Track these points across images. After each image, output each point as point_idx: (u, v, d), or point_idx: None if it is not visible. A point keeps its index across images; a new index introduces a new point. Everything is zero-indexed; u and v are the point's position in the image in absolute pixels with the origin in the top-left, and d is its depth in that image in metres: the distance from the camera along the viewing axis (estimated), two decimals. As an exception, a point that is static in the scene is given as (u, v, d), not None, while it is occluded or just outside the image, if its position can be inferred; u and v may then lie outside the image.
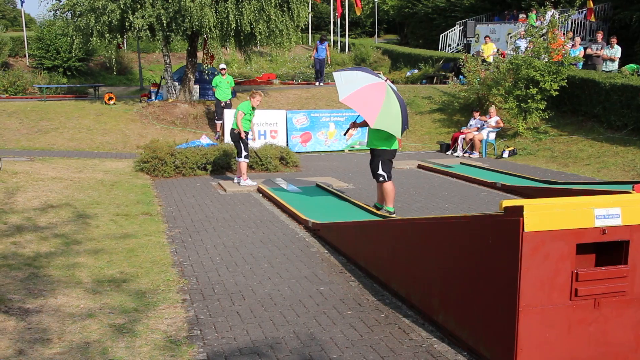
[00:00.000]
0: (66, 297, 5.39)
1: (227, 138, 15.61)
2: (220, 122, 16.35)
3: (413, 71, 26.13)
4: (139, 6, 16.09)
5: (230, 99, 16.49)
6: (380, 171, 8.65)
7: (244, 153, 11.03)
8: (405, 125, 8.52)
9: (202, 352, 4.35)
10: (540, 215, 3.75)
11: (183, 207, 9.44)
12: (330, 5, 37.81)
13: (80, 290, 5.58)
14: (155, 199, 10.02)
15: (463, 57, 19.66)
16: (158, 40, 16.86)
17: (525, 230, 3.70)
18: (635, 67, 16.70)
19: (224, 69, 16.79)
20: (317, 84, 22.12)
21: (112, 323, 4.83)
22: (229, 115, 15.62)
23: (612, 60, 17.00)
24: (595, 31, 20.89)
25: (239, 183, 11.10)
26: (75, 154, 14.24)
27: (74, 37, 16.79)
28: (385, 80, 8.72)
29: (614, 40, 17.40)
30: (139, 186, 11.02)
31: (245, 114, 10.94)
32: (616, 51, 17.03)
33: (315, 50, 22.40)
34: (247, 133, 11.06)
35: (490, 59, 21.19)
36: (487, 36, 22.78)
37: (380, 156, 8.66)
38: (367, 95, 8.39)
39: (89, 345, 4.42)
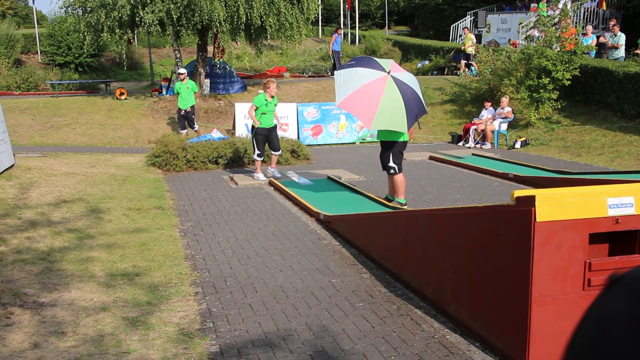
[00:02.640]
0: (80, 291, 5.43)
1: (240, 132, 15.63)
2: (184, 131, 15.03)
3: (424, 62, 25.99)
4: (149, 1, 16.11)
5: (192, 106, 15.12)
6: (391, 163, 8.61)
7: (256, 151, 10.80)
8: (413, 118, 8.28)
9: (214, 345, 4.37)
10: (552, 205, 3.72)
11: (195, 200, 9.47)
12: (340, -2, 37.64)
13: (94, 284, 5.63)
14: (167, 193, 10.06)
15: (474, 47, 19.53)
16: (168, 35, 16.88)
17: (538, 220, 3.68)
18: None
19: (184, 74, 15.19)
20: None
21: (126, 316, 4.86)
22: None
23: (616, 48, 16.83)
24: (608, 19, 20.66)
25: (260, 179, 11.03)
26: (88, 149, 14.32)
27: (85, 34, 16.85)
28: (389, 73, 8.32)
29: (616, 28, 17.21)
30: (151, 180, 11.07)
31: (258, 107, 10.58)
32: (619, 38, 16.84)
33: (332, 42, 22.53)
34: (267, 129, 10.70)
35: (470, 50, 21.60)
36: (465, 27, 22.85)
37: (390, 148, 8.62)
38: (363, 96, 8.09)
39: (102, 338, 4.46)
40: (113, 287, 5.56)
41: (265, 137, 10.82)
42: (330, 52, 23.04)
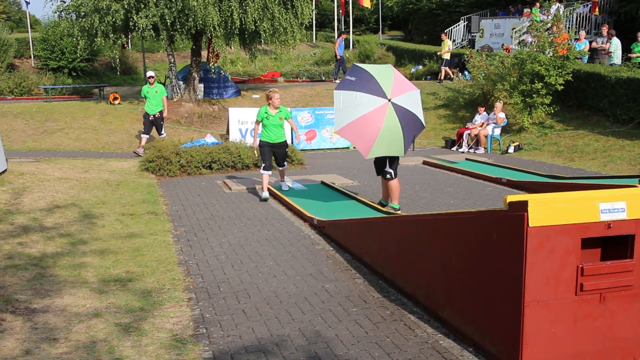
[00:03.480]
0: (72, 297, 5.41)
1: (233, 137, 15.61)
2: (146, 136, 14.60)
3: (417, 67, 26.06)
4: (142, 6, 16.13)
5: (160, 111, 14.64)
6: (388, 168, 8.64)
7: (262, 164, 9.85)
8: (411, 139, 8.35)
9: (207, 351, 4.36)
10: (545, 210, 3.73)
11: (188, 206, 9.45)
12: (334, 3, 37.75)
13: (87, 290, 5.60)
14: (161, 198, 10.04)
15: (468, 52, 19.61)
16: (162, 39, 16.90)
17: (530, 225, 3.69)
18: None
19: (153, 77, 14.75)
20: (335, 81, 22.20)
21: (118, 322, 4.84)
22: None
23: (608, 55, 16.94)
24: (600, 25, 20.78)
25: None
26: (81, 154, 14.28)
27: (78, 38, 16.84)
28: (389, 100, 8.09)
29: (611, 32, 17.31)
30: (144, 185, 11.05)
31: (260, 121, 9.77)
32: (616, 44, 16.96)
33: (337, 46, 22.59)
34: (271, 144, 9.73)
35: (446, 56, 21.86)
36: (443, 32, 22.89)
37: None
38: (362, 126, 8.02)
39: (95, 345, 4.44)
40: (106, 292, 5.54)
41: (270, 150, 9.83)
42: (338, 57, 23.05)
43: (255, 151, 10.42)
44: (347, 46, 35.22)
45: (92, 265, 6.37)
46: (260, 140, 9.85)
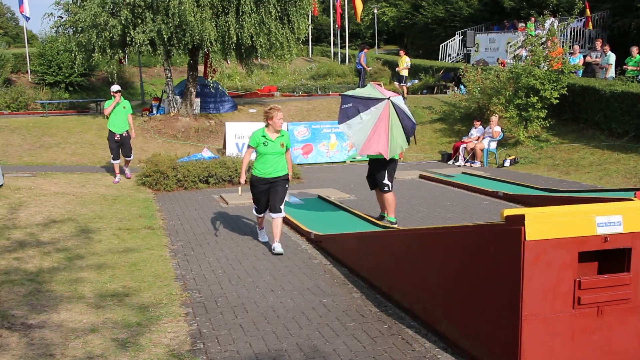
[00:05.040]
0: (69, 312, 5.39)
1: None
2: (117, 162, 12.61)
3: (413, 81, 26.20)
4: (139, 21, 16.19)
5: (127, 130, 12.60)
6: (386, 180, 8.73)
7: (254, 206, 7.91)
8: (410, 132, 8.72)
9: (205, 366, 4.34)
10: (542, 224, 3.75)
11: (185, 220, 9.44)
12: (330, 18, 37.99)
13: (83, 305, 5.58)
14: (158, 212, 10.03)
15: (463, 66, 19.72)
16: (159, 54, 16.94)
17: (527, 239, 3.70)
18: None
19: (119, 92, 12.61)
20: None
21: (115, 337, 4.82)
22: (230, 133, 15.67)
23: (605, 69, 17.07)
24: (594, 39, 20.95)
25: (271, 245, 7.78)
26: (78, 169, 14.27)
27: (76, 53, 16.89)
28: (388, 99, 8.58)
29: (606, 48, 17.47)
30: (141, 200, 11.04)
31: (255, 147, 7.45)
32: (608, 58, 17.10)
33: (362, 59, 22.61)
34: (267, 180, 7.43)
35: (404, 73, 21.59)
36: (401, 49, 22.76)
37: (387, 166, 8.72)
38: (377, 135, 8.46)
39: (92, 360, 4.42)
40: (103, 308, 5.52)
41: (266, 190, 7.52)
42: (366, 68, 22.96)
43: (239, 188, 8.16)
44: (342, 60, 35.42)
45: (88, 280, 6.35)
46: (252, 176, 7.55)
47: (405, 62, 21.64)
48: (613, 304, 3.95)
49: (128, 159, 12.82)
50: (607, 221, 3.88)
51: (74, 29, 17.08)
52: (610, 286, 3.94)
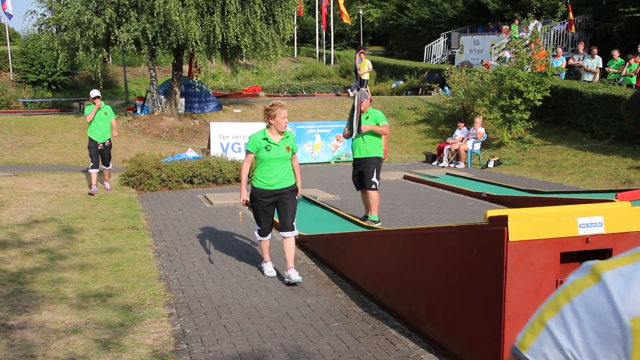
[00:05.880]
0: (51, 313, 5.34)
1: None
2: (96, 171, 11.56)
3: (398, 82, 26.29)
4: (124, 20, 16.10)
5: (109, 139, 11.75)
6: (374, 178, 8.76)
7: (256, 227, 6.54)
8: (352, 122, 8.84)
9: (188, 367, 4.32)
10: (525, 225, 3.78)
11: (169, 220, 9.40)
12: (315, 18, 38.01)
13: (65, 306, 5.54)
14: (141, 212, 9.97)
15: (447, 68, 19.83)
16: (144, 54, 16.85)
17: (510, 239, 3.72)
18: (622, 62, 16.72)
19: (99, 97, 11.53)
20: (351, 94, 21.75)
21: (98, 338, 4.79)
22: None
23: (593, 73, 17.25)
24: (577, 42, 21.16)
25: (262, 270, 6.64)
26: (60, 169, 14.15)
27: (59, 52, 16.75)
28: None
29: (594, 50, 17.64)
30: (124, 200, 10.97)
31: (256, 151, 6.26)
32: (598, 62, 17.28)
33: (357, 61, 22.42)
34: (272, 192, 6.20)
35: (366, 77, 20.90)
36: (362, 52, 21.84)
37: (375, 164, 8.77)
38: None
39: (74, 361, 4.38)
40: (85, 308, 5.48)
41: (272, 204, 6.31)
42: (358, 71, 22.89)
43: (240, 212, 6.90)
44: (328, 61, 35.44)
45: (71, 280, 6.30)
46: (253, 188, 6.31)
47: (367, 65, 20.84)
48: (594, 304, 3.98)
49: (107, 168, 11.85)
50: (588, 222, 3.92)
51: (57, 27, 16.94)
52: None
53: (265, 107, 6.32)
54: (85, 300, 5.69)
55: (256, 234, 6.53)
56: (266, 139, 6.20)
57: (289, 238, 6.29)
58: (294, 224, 6.31)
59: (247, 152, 6.31)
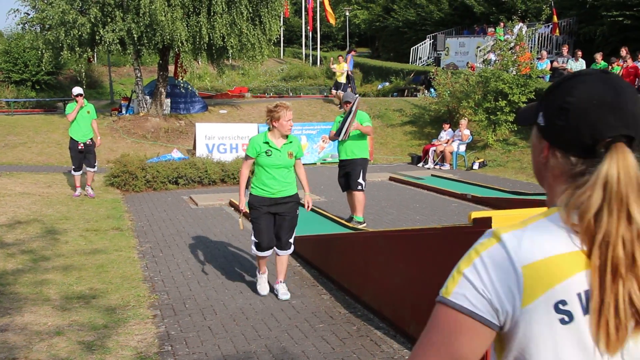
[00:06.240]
0: (33, 315, 5.30)
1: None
2: (79, 173, 11.13)
3: (384, 84, 26.38)
4: (109, 20, 16.02)
5: (91, 138, 11.18)
6: (361, 179, 8.78)
7: (253, 240, 5.84)
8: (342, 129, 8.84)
9: (173, 368, 4.31)
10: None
11: (154, 221, 9.36)
12: (302, 19, 38.02)
13: (48, 308, 5.49)
14: (126, 213, 9.92)
15: (433, 70, 19.92)
16: (129, 54, 16.79)
17: (493, 241, 3.74)
18: (605, 65, 16.93)
19: (81, 95, 11.09)
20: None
21: (81, 340, 4.76)
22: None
23: None
24: (561, 45, 21.36)
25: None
26: (44, 169, 14.04)
27: (43, 51, 16.62)
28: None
29: (579, 53, 17.83)
30: (109, 201, 10.90)
31: (255, 156, 5.72)
32: (581, 65, 17.47)
33: (347, 63, 22.40)
34: (272, 201, 5.67)
35: (342, 79, 20.72)
36: (340, 55, 21.69)
37: (361, 165, 8.81)
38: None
39: (57, 364, 4.35)
40: (69, 310, 5.44)
41: (271, 215, 5.76)
42: (348, 73, 22.93)
43: (240, 219, 6.16)
44: (314, 62, 35.46)
45: (54, 282, 6.25)
46: (251, 196, 5.79)
47: (343, 68, 20.84)
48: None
49: (92, 169, 11.23)
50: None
51: (41, 26, 16.82)
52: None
53: (268, 108, 5.73)
54: (68, 302, 5.65)
55: (254, 247, 5.81)
56: (267, 142, 5.66)
57: (283, 256, 5.89)
58: (292, 240, 5.85)
59: (246, 156, 5.79)
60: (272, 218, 5.75)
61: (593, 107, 1.20)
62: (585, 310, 1.14)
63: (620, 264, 1.14)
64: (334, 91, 20.94)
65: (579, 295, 1.14)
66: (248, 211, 5.87)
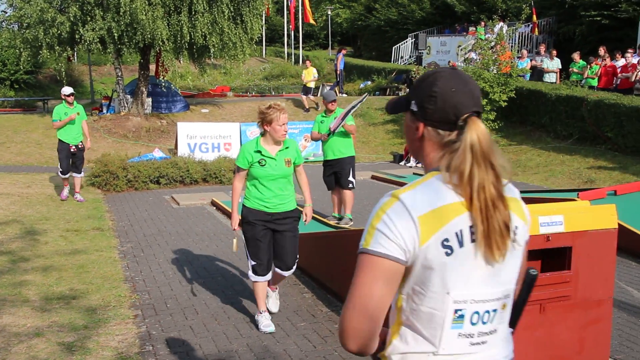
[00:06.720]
0: (12, 317, 5.25)
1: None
2: (66, 176, 10.62)
3: (366, 83, 26.40)
4: (89, 18, 15.88)
5: (81, 142, 10.61)
6: (351, 178, 8.84)
7: (250, 262, 5.01)
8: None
9: (154, 368, 4.29)
10: (487, 224, 3.84)
11: (135, 221, 9.30)
12: (284, 18, 37.97)
13: (28, 309, 5.44)
14: (107, 213, 9.85)
15: (415, 69, 20.00)
16: (109, 53, 16.65)
17: (473, 238, 3.78)
18: (584, 64, 17.08)
19: (72, 95, 10.50)
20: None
21: (61, 341, 4.72)
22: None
23: (554, 73, 17.66)
24: (540, 44, 21.56)
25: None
26: (24, 169, 13.89)
27: (21, 50, 16.44)
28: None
29: (553, 52, 18.03)
30: (90, 201, 10.82)
31: (247, 167, 4.95)
32: (557, 63, 17.68)
33: (338, 62, 22.28)
34: (269, 216, 4.98)
35: (311, 85, 20.51)
36: (307, 60, 21.14)
37: (350, 163, 8.87)
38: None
39: (36, 365, 4.31)
40: (48, 311, 5.40)
41: (268, 231, 5.02)
42: (338, 72, 22.92)
43: (235, 240, 5.44)
44: (296, 61, 35.43)
45: (33, 283, 6.20)
46: (246, 209, 5.01)
47: (312, 74, 20.53)
48: (554, 301, 4.07)
49: (78, 175, 10.68)
50: (549, 221, 4.00)
51: (19, 24, 16.63)
52: (552, 284, 4.06)
53: (259, 109, 4.92)
54: (48, 303, 5.60)
55: (250, 273, 5.02)
56: (259, 151, 4.89)
57: (284, 275, 5.21)
58: (295, 261, 5.17)
59: (237, 168, 4.97)
60: (271, 234, 5.00)
61: (453, 94, 1.64)
62: (460, 244, 1.57)
63: (495, 199, 1.58)
64: (303, 96, 20.44)
65: (456, 233, 1.56)
66: (243, 226, 5.04)
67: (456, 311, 1.60)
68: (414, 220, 1.55)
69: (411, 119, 1.73)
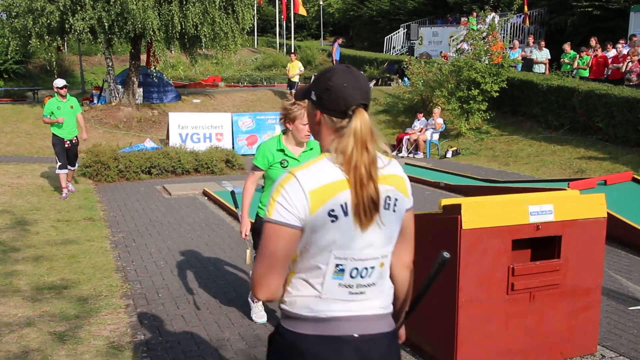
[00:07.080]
0: (3, 307, 5.24)
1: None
2: (65, 171, 10.19)
3: (359, 73, 26.35)
4: (79, 8, 15.75)
5: (76, 136, 10.34)
6: None
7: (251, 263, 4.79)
8: None
9: (145, 357, 4.30)
10: (477, 213, 3.86)
11: (127, 211, 9.28)
12: (275, 8, 37.80)
13: (19, 299, 5.43)
14: (98, 203, 9.82)
15: (407, 59, 19.99)
16: (100, 42, 16.54)
17: (463, 227, 3.80)
18: (575, 54, 17.10)
19: (66, 87, 10.29)
20: None
21: (53, 331, 4.72)
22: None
23: (543, 64, 17.74)
24: (531, 35, 21.60)
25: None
26: (14, 159, 13.81)
27: (10, 39, 16.30)
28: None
29: (542, 43, 18.09)
30: (81, 191, 10.78)
31: (267, 168, 4.47)
32: (546, 54, 17.74)
33: (334, 51, 22.21)
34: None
35: (296, 79, 20.01)
36: (292, 53, 20.89)
37: None
38: None
39: (27, 355, 4.31)
40: (39, 301, 5.39)
41: None
42: (334, 62, 22.94)
43: (248, 250, 4.79)
44: (288, 51, 35.29)
45: (24, 273, 6.18)
46: (259, 219, 4.63)
47: (297, 68, 20.05)
48: (544, 289, 4.10)
49: (72, 168, 10.48)
50: (539, 210, 4.03)
51: (8, 13, 16.48)
52: (541, 272, 4.09)
53: (282, 105, 4.46)
54: (39, 293, 5.59)
55: (249, 298, 4.96)
56: (282, 150, 4.40)
57: None
58: None
59: (254, 167, 4.47)
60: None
61: (345, 88, 1.94)
62: (345, 213, 1.88)
63: (364, 178, 1.88)
64: (288, 91, 20.11)
65: (341, 205, 1.88)
66: (250, 237, 4.71)
67: (337, 265, 1.93)
68: (305, 194, 1.86)
69: (311, 106, 2.02)
